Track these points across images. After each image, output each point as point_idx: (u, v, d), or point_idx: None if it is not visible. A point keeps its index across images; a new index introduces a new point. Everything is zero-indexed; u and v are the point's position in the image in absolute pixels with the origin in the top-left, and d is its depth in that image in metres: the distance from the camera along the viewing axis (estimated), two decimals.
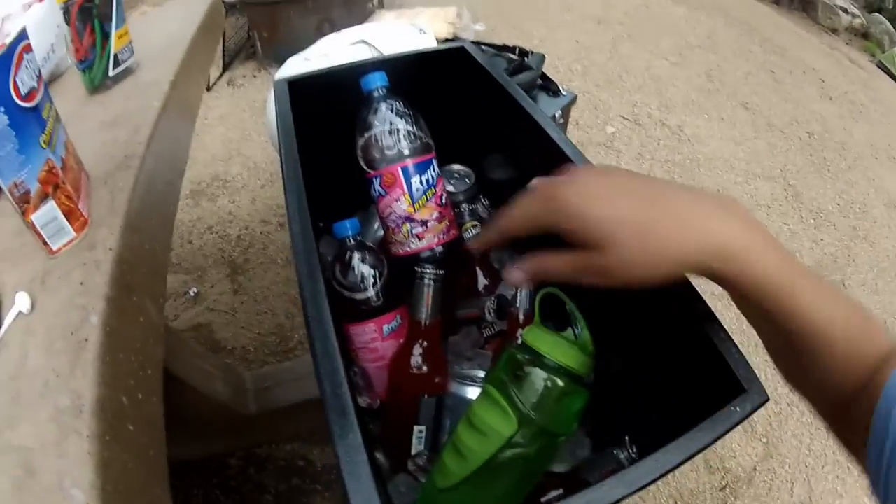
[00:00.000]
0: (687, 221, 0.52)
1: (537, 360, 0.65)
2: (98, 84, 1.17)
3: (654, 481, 0.52)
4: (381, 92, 0.93)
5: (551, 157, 0.85)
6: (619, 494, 0.51)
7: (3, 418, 0.68)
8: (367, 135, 0.92)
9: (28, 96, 0.76)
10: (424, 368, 0.84)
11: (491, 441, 0.65)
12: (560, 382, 0.63)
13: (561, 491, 0.73)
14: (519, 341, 0.70)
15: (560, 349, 0.65)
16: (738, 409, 0.56)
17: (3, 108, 0.72)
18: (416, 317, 0.85)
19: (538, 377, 0.64)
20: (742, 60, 4.16)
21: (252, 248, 2.52)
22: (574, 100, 2.01)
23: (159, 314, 0.90)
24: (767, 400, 0.57)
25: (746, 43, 4.44)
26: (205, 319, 2.25)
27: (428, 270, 0.84)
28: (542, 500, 0.72)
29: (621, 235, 0.52)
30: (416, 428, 0.83)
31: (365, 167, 0.93)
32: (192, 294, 2.34)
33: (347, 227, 0.93)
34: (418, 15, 3.25)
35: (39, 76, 0.81)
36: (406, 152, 0.90)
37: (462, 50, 1.05)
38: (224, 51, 3.74)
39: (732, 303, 0.57)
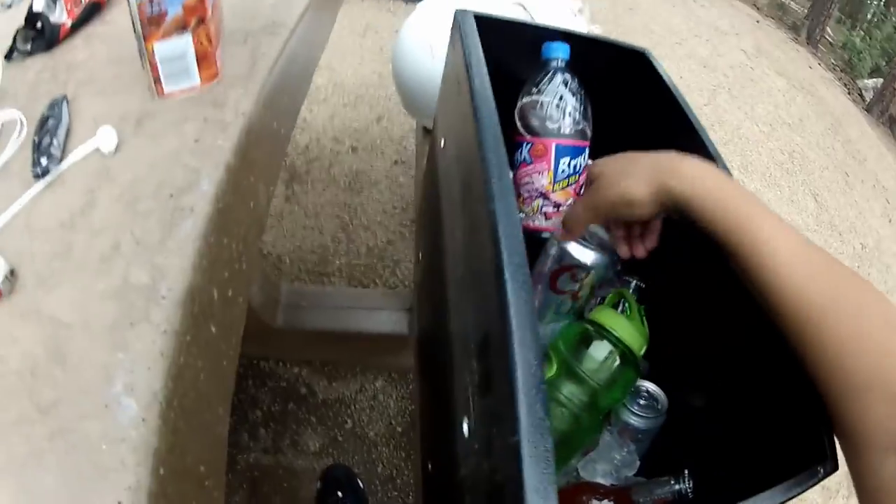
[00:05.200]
0: (651, 162, 0.67)
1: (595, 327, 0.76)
2: None
3: None
4: (560, 63, 0.90)
5: None
6: None
7: (35, 275, 0.56)
8: (533, 99, 0.89)
9: None
10: None
11: None
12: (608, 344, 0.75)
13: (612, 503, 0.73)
14: None
15: (617, 321, 0.76)
16: (822, 470, 0.55)
17: None
18: None
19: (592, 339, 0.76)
20: (823, 154, 4.13)
21: (317, 162, 2.49)
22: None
23: (267, 204, 0.82)
24: (838, 469, 0.56)
25: (831, 139, 4.41)
26: None
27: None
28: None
29: (606, 168, 0.71)
30: None
31: (520, 128, 0.90)
32: None
33: None
34: None
35: None
36: (566, 131, 0.88)
37: (643, 55, 1.02)
38: None
39: None
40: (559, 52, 0.90)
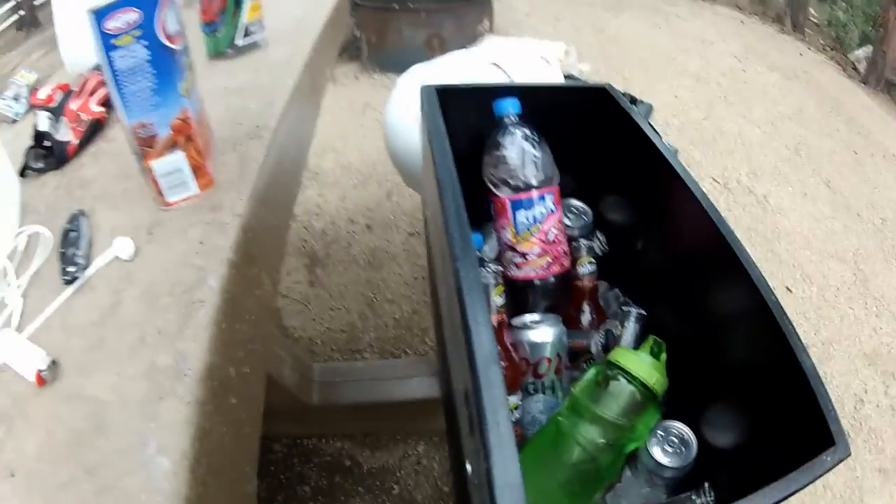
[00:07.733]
0: None
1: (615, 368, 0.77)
2: (221, 50, 1.18)
3: None
4: (511, 119, 0.95)
5: (683, 206, 0.89)
6: None
7: (74, 364, 0.65)
8: (491, 156, 0.94)
9: (172, 38, 0.73)
10: None
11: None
12: (631, 387, 0.75)
13: None
14: None
15: (636, 361, 0.77)
16: (829, 458, 0.56)
17: (146, 42, 0.68)
18: None
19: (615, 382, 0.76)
20: (828, 138, 4.10)
21: (335, 245, 2.55)
22: (675, 154, 2.01)
23: (273, 291, 0.91)
24: (850, 454, 0.57)
25: (833, 120, 4.38)
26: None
27: None
28: None
29: None
30: None
31: (488, 186, 0.96)
32: None
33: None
34: (529, 45, 3.27)
35: (181, 26, 0.77)
36: (522, 184, 0.92)
37: (603, 91, 1.05)
38: None
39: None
40: (508, 109, 0.94)
